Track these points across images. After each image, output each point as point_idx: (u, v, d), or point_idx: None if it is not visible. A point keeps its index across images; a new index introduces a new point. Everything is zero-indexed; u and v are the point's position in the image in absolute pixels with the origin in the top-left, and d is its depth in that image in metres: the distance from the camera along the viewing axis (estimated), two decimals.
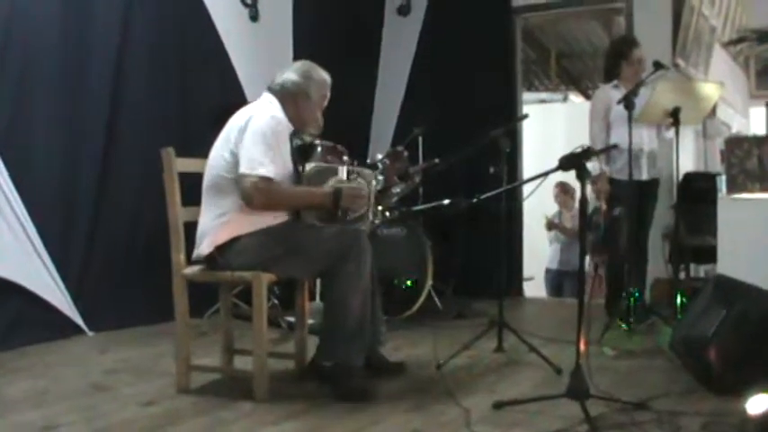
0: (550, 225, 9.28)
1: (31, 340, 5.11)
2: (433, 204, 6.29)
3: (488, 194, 4.29)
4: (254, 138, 3.83)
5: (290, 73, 4.15)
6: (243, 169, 3.82)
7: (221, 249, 3.88)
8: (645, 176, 5.74)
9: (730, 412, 3.33)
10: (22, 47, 5.18)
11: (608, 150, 5.29)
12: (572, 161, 3.51)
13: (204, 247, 3.93)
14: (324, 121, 6.04)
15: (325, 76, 4.21)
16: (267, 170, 3.81)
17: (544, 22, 10.46)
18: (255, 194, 3.82)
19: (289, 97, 4.10)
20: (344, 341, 3.85)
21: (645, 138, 5.71)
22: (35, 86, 5.27)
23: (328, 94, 4.23)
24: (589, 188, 3.68)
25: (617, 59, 5.93)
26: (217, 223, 3.91)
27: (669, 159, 5.79)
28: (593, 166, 5.48)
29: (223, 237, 3.88)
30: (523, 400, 3.64)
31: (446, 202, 6.13)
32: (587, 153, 3.54)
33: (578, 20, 11.63)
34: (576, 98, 13.77)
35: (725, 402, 3.56)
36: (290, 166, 4.05)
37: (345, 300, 3.83)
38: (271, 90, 4.14)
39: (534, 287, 8.83)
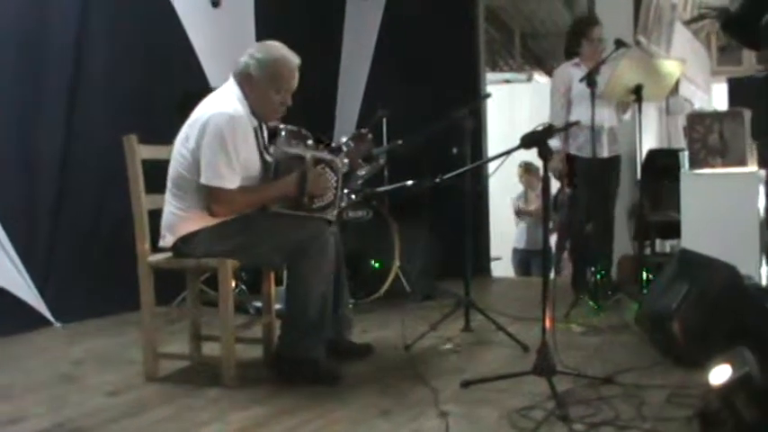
0: (518, 212, 9.36)
1: None
2: (396, 185, 6.30)
3: (451, 174, 4.31)
4: (213, 145, 3.73)
5: (244, 55, 3.98)
6: (204, 180, 3.77)
7: (185, 240, 3.87)
8: (605, 153, 5.78)
9: (694, 384, 3.37)
10: None
11: (570, 127, 5.32)
12: (534, 139, 3.53)
13: (168, 240, 3.92)
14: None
15: (283, 54, 3.95)
16: (227, 181, 3.76)
17: (508, 2, 10.50)
18: (218, 207, 3.82)
19: (244, 82, 3.94)
20: (304, 333, 3.84)
21: (605, 115, 5.74)
22: None
23: (294, 75, 3.96)
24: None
25: (577, 37, 5.95)
26: (178, 218, 3.89)
27: (632, 136, 5.83)
28: (552, 143, 5.54)
29: (185, 229, 3.86)
30: (491, 378, 3.68)
31: (409, 182, 6.14)
32: (549, 131, 3.57)
33: (541, 0, 11.68)
34: (540, 78, 13.82)
35: (689, 374, 3.61)
36: (255, 164, 3.96)
37: (306, 291, 3.80)
38: (233, 75, 4.00)
39: (502, 267, 8.88)
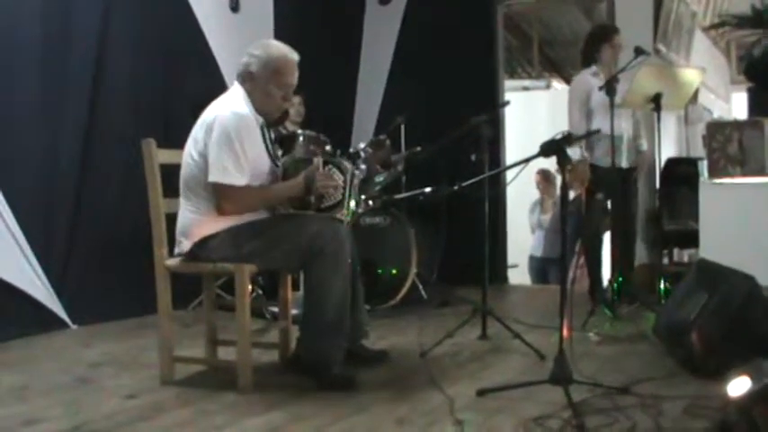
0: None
1: (15, 334, 5.09)
2: (414, 192, 6.30)
3: (469, 182, 4.30)
4: (220, 143, 3.76)
5: (244, 55, 4.01)
6: (211, 178, 3.79)
7: (200, 244, 3.87)
8: (625, 164, 5.77)
9: (712, 395, 3.33)
10: (0, 40, 5.14)
11: (589, 136, 5.30)
12: (552, 147, 3.51)
13: (184, 246, 3.93)
14: (306, 110, 6.07)
15: (281, 50, 3.98)
16: (235, 178, 3.77)
17: (526, 9, 10.50)
18: (226, 204, 3.82)
19: (246, 81, 3.97)
20: (324, 333, 3.83)
21: (623, 125, 5.73)
22: (15, 79, 5.24)
23: (294, 71, 3.99)
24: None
25: (599, 42, 5.96)
26: (193, 221, 3.90)
27: (651, 145, 5.82)
28: (573, 152, 5.53)
29: (200, 233, 3.87)
30: (507, 387, 3.66)
31: (427, 189, 6.14)
32: (568, 139, 3.55)
33: (560, 7, 11.67)
34: (558, 85, 13.77)
35: (707, 386, 3.57)
36: (263, 161, 3.97)
37: (324, 291, 3.79)
38: (236, 77, 4.04)
39: (518, 274, 8.86)
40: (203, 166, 3.83)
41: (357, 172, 4.20)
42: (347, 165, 4.18)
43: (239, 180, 3.80)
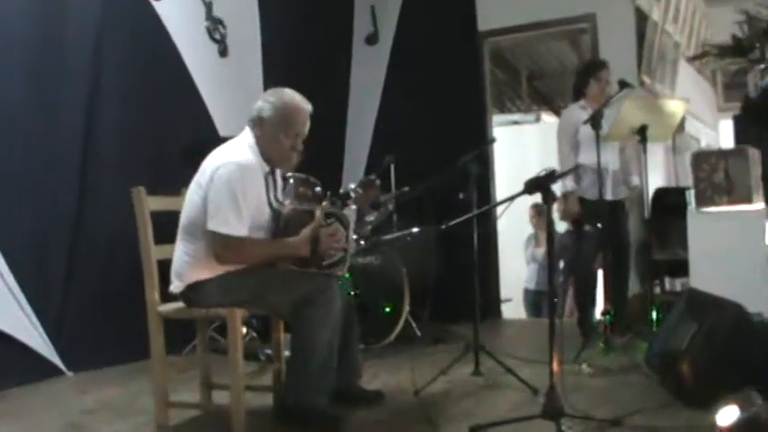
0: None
1: (11, 383, 5.09)
2: (402, 233, 6.33)
3: (456, 221, 4.33)
4: (222, 193, 3.76)
5: (258, 101, 4.03)
6: (211, 226, 3.77)
7: (193, 288, 3.90)
8: (609, 197, 5.79)
9: (703, 425, 3.36)
10: None
11: (570, 173, 5.36)
12: (537, 184, 3.56)
13: (177, 286, 3.95)
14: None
15: (294, 99, 4.01)
16: (234, 228, 3.76)
17: (513, 44, 10.57)
18: (224, 253, 3.80)
19: (256, 126, 3.98)
20: (307, 383, 3.83)
21: (609, 158, 5.78)
22: (6, 132, 5.28)
23: (305, 121, 4.01)
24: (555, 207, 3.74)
25: (586, 77, 6.03)
26: (185, 264, 3.91)
27: (641, 178, 5.88)
28: (563, 184, 5.59)
29: (190, 278, 3.89)
30: (500, 422, 3.66)
31: (415, 230, 6.17)
32: (551, 176, 3.60)
33: (547, 41, 11.75)
34: (548, 118, 13.85)
35: (698, 415, 3.59)
36: (264, 212, 3.98)
37: (312, 340, 3.80)
38: (248, 122, 4.05)
39: (513, 308, 8.86)
40: (204, 212, 3.82)
41: (352, 225, 4.16)
42: (348, 216, 4.15)
43: (239, 231, 3.78)
